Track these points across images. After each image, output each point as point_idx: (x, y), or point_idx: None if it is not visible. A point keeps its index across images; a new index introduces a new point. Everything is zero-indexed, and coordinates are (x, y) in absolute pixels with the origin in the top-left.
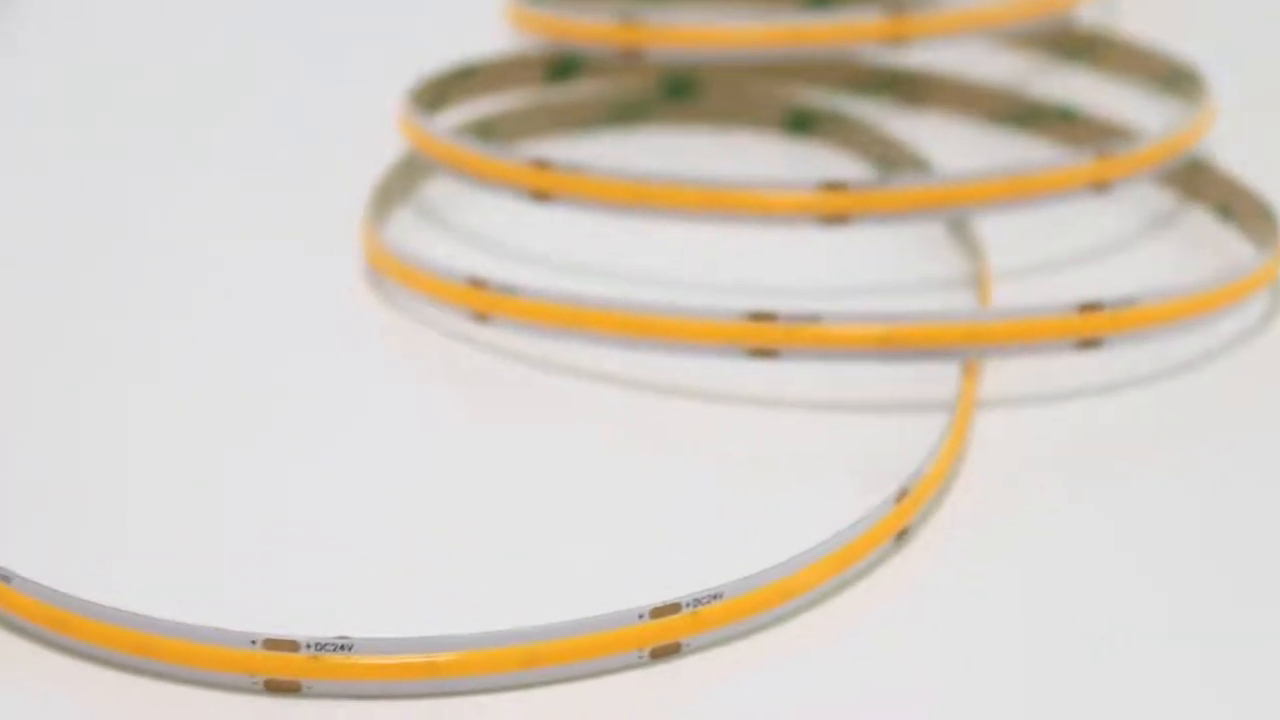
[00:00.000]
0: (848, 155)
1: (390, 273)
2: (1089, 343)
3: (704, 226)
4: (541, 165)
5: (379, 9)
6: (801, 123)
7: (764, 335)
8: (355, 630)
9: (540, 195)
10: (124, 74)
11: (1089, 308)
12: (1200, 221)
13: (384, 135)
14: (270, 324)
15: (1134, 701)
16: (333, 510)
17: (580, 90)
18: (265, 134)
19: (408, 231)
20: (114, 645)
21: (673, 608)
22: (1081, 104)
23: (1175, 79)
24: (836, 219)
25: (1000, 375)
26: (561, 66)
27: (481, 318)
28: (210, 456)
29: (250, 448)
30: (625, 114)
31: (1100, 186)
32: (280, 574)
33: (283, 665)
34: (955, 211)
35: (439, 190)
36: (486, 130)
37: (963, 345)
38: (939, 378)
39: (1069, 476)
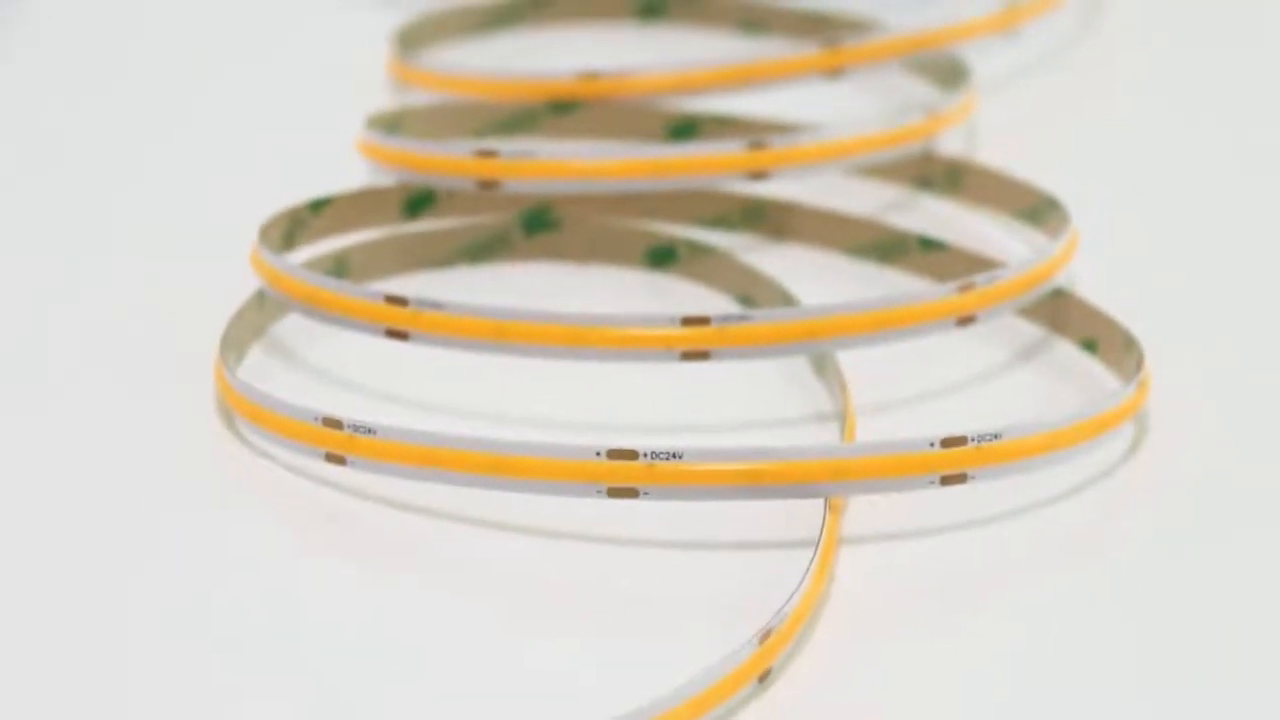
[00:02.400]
0: (710, 289)
1: (243, 412)
2: (952, 478)
3: (564, 363)
4: (397, 302)
5: (227, 142)
6: (663, 257)
7: (624, 474)
8: None
9: (396, 333)
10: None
11: (952, 442)
12: (1065, 354)
13: (236, 271)
14: (117, 464)
15: None
16: (177, 660)
17: (437, 225)
18: (117, 270)
19: (261, 369)
20: None
21: None
22: (944, 235)
23: (1038, 209)
24: (698, 354)
25: (865, 511)
26: (417, 200)
27: (337, 458)
28: (49, 605)
29: (91, 595)
30: (483, 249)
31: (965, 320)
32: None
33: None
34: (818, 345)
35: (293, 327)
36: (340, 267)
37: (826, 482)
38: (802, 515)
39: (935, 613)
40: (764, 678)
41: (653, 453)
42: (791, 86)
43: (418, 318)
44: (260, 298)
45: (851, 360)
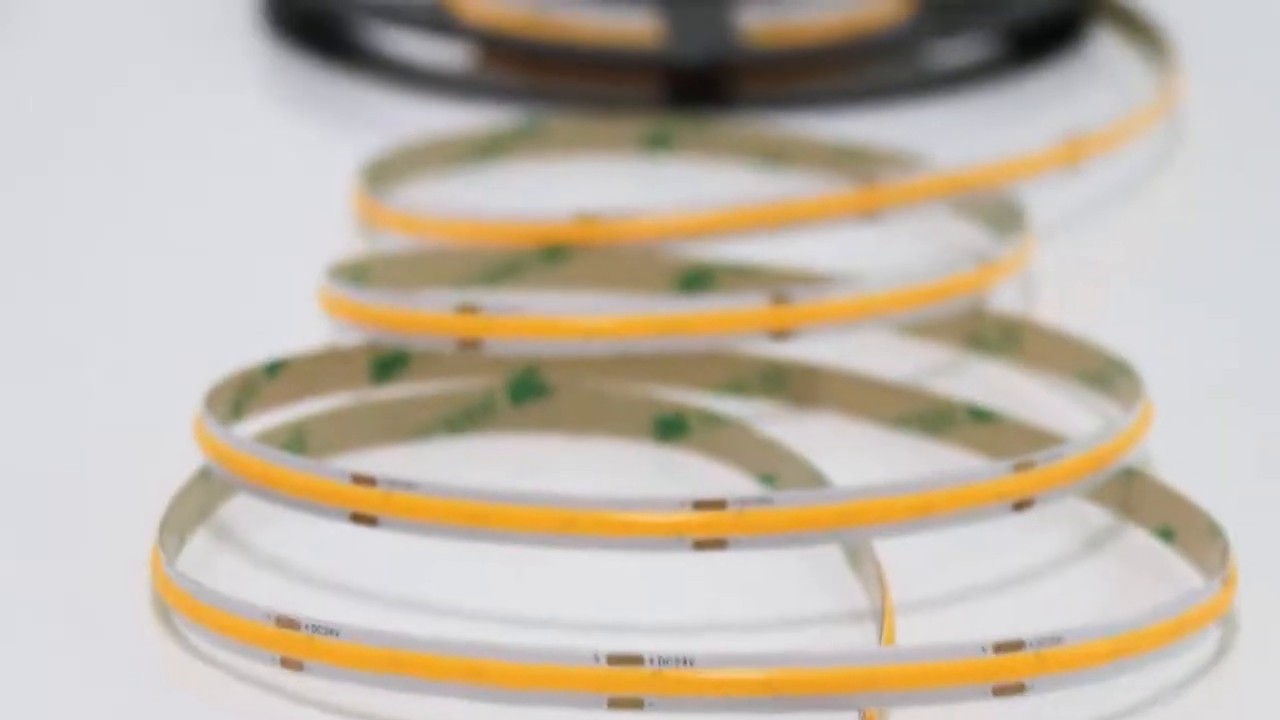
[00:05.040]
0: (726, 467)
1: (183, 609)
2: (1007, 688)
3: (557, 553)
4: (364, 482)
5: (167, 293)
6: (671, 428)
7: (627, 682)
8: None
9: (363, 518)
10: None
11: (1007, 647)
12: (1138, 543)
13: (177, 444)
14: (36, 671)
15: None
16: None
17: (410, 391)
18: (39, 441)
19: (205, 559)
20: None
21: None
22: (998, 404)
23: (1106, 374)
24: (713, 543)
25: None
26: (387, 362)
27: (294, 664)
28: None
29: None
30: (464, 420)
31: (1022, 504)
32: None
33: None
34: (852, 534)
35: (243, 510)
36: (298, 440)
37: (860, 692)
38: None
39: None
40: None
41: (660, 658)
42: (821, 231)
43: (388, 500)
44: (205, 476)
45: (890, 550)
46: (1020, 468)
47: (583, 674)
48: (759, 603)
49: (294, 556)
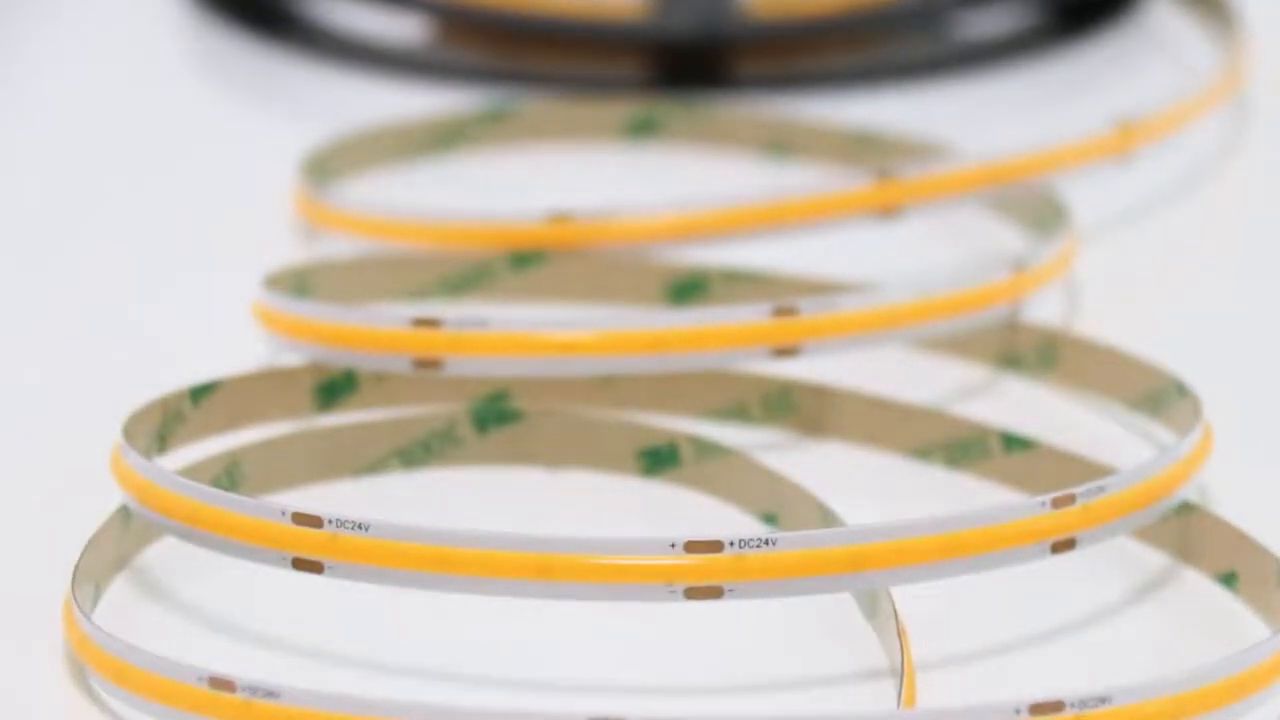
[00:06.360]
0: (722, 503)
1: (102, 668)
2: None
3: (528, 602)
4: (308, 522)
5: (80, 305)
6: (660, 460)
7: None
8: None
9: (307, 564)
10: None
11: (1045, 709)
12: (1196, 589)
13: (92, 480)
14: None
15: None
16: None
17: (359, 418)
18: None
19: (126, 611)
20: None
21: None
22: (1035, 430)
23: (1159, 395)
24: (708, 591)
25: None
26: (332, 386)
27: None
28: None
29: None
30: (422, 451)
31: (1062, 544)
32: None
33: None
34: (867, 579)
35: (168, 555)
36: (232, 474)
37: None
38: None
39: None
40: None
41: None
42: (832, 231)
43: (335, 543)
44: (124, 516)
45: (911, 599)
46: (1059, 503)
47: None
48: (759, 660)
49: (228, 608)
